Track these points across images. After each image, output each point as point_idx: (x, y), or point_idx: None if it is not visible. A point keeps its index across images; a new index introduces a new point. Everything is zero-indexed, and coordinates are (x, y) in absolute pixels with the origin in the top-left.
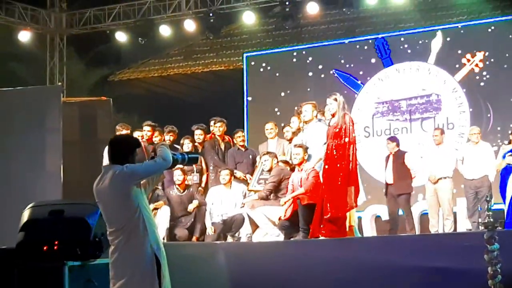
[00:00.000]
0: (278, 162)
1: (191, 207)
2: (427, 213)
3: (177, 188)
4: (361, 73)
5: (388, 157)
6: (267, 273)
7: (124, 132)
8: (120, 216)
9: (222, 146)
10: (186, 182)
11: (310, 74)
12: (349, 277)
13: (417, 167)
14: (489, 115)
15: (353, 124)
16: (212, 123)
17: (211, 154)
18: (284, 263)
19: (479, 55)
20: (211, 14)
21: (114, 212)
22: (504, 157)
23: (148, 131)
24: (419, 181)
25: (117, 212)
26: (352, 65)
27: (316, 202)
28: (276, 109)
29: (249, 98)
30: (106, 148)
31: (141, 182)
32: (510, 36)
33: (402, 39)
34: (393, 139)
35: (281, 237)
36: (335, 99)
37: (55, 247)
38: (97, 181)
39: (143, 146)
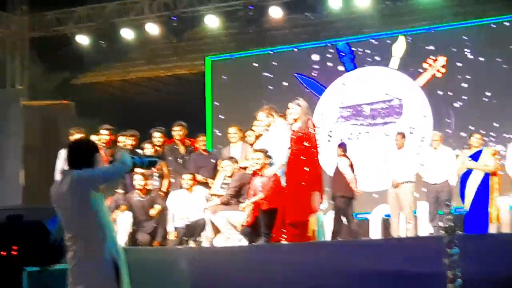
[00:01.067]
0: (239, 168)
1: (153, 212)
2: (389, 216)
3: (138, 193)
4: (324, 77)
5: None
6: (231, 279)
7: (77, 136)
8: (78, 222)
9: (182, 150)
10: (147, 187)
11: (273, 77)
12: (312, 282)
13: (350, 176)
14: (449, 120)
15: (315, 129)
16: (173, 127)
17: (171, 158)
18: (247, 269)
19: (441, 60)
20: (174, 18)
21: (73, 217)
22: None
23: (105, 134)
24: (381, 185)
25: (76, 217)
26: (315, 70)
27: (277, 207)
28: (239, 113)
29: (215, 103)
30: (62, 152)
31: (101, 187)
32: (472, 41)
33: (365, 43)
34: (340, 145)
35: (243, 242)
36: (298, 104)
37: (14, 253)
38: (55, 185)
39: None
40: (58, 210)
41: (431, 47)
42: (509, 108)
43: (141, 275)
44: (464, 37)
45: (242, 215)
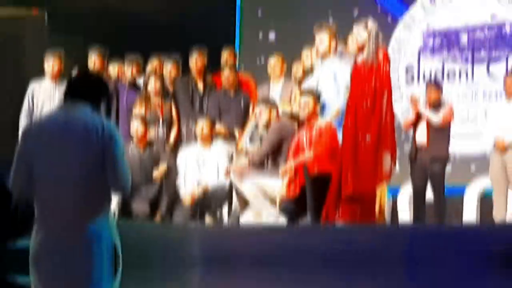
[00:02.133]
0: (278, 114)
1: (155, 173)
2: (491, 194)
3: (136, 145)
4: None
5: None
6: (263, 272)
7: (53, 64)
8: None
9: (200, 87)
10: (148, 137)
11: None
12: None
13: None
14: None
15: (389, 63)
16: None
17: (184, 98)
18: (286, 257)
19: None
20: None
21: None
22: None
23: (93, 60)
24: (480, 147)
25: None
26: None
27: (331, 172)
28: (282, 37)
29: (245, 20)
30: (33, 86)
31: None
32: None
33: None
34: (438, 85)
35: (281, 221)
36: (366, 26)
37: None
38: (53, 118)
39: None
40: (45, 156)
41: None
42: None
43: (137, 258)
44: None
45: (281, 183)
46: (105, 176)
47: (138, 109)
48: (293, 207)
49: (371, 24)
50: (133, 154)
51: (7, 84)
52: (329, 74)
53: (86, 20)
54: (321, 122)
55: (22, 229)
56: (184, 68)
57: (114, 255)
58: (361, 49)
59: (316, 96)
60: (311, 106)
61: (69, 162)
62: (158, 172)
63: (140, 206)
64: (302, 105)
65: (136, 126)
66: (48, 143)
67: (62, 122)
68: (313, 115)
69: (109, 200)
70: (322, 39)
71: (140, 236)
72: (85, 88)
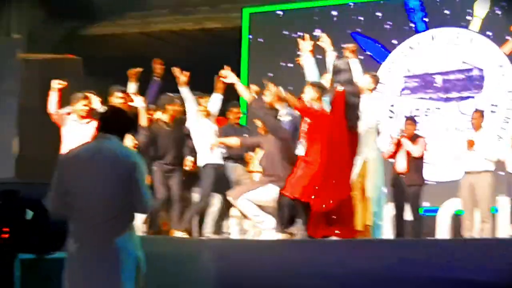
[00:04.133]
0: None
1: None
2: (461, 214)
3: None
4: (388, 39)
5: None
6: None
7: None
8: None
9: None
10: None
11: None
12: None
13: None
14: None
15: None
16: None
17: None
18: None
19: None
20: None
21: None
22: None
23: (120, 97)
24: (453, 175)
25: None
26: (376, 29)
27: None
28: (281, 80)
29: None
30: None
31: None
32: None
33: None
34: (414, 121)
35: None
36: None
37: (4, 236)
38: (86, 149)
39: None
40: (84, 181)
41: None
42: None
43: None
44: None
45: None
46: (130, 197)
47: None
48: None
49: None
50: None
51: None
52: None
53: (114, 64)
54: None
55: (58, 242)
56: None
57: (138, 267)
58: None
59: None
60: None
61: (99, 185)
62: None
63: None
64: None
65: None
66: (82, 169)
67: (94, 151)
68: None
69: (133, 218)
70: (307, 91)
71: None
72: (114, 123)
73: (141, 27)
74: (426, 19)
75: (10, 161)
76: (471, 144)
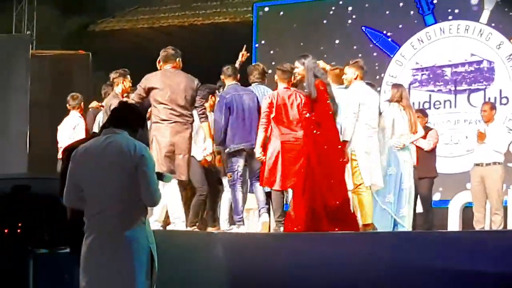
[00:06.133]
0: None
1: None
2: (471, 206)
3: None
4: (397, 32)
5: None
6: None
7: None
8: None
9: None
10: None
11: (336, 31)
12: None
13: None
14: None
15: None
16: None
17: None
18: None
19: None
20: None
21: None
22: None
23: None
24: (462, 166)
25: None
26: (386, 22)
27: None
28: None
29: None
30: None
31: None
32: None
33: None
34: (424, 113)
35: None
36: (303, 62)
37: (18, 230)
38: (95, 143)
39: None
40: (90, 176)
41: None
42: None
43: (169, 262)
44: None
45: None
46: (139, 190)
47: None
48: None
49: (307, 60)
50: None
51: (57, 111)
52: None
53: (123, 59)
54: None
55: (72, 237)
56: None
57: (151, 258)
58: (301, 81)
59: None
60: None
61: (108, 179)
62: None
63: None
64: None
65: None
66: (92, 163)
67: (103, 146)
68: None
69: (145, 211)
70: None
71: (173, 243)
72: (125, 118)
73: (151, 22)
74: (435, 12)
75: (23, 157)
76: (482, 136)
